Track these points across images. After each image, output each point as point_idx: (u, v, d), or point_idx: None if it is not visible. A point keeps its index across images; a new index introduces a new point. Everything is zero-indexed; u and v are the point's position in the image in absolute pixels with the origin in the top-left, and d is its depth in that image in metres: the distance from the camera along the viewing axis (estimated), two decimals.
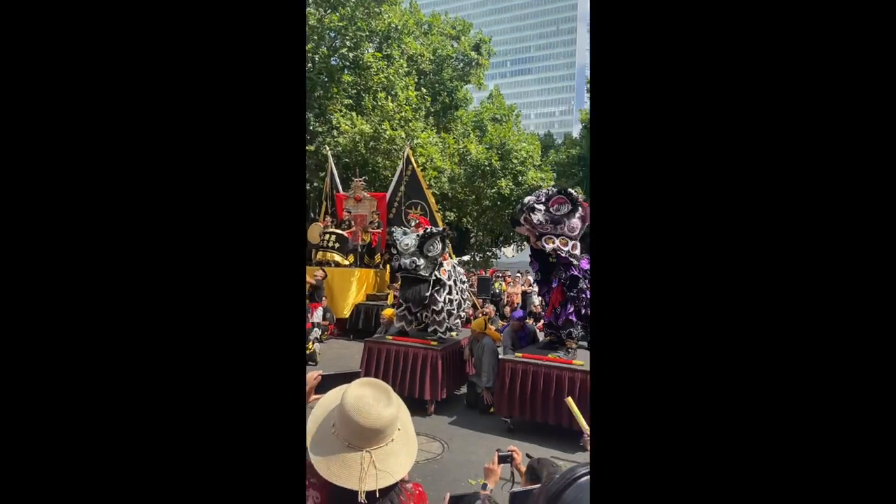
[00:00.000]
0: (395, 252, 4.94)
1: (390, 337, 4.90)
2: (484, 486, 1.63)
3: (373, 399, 1.07)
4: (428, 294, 4.57)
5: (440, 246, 4.74)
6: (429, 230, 4.76)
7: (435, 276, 4.67)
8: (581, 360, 4.12)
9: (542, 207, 4.13)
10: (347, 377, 1.35)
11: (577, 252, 4.24)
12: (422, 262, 4.53)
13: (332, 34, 14.84)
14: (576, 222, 4.19)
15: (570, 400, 2.72)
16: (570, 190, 4.29)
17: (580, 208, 4.21)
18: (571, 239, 4.16)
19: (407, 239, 4.67)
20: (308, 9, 13.77)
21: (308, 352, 5.93)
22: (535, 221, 4.08)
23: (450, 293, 4.93)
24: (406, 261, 4.54)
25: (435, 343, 4.68)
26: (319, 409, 1.16)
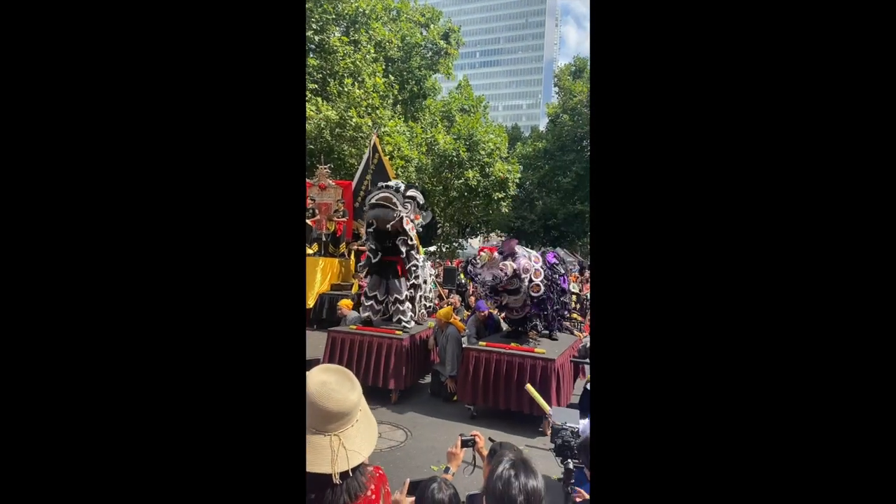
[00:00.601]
0: (368, 242, 4.84)
1: (354, 326, 4.86)
2: (446, 470, 1.66)
3: (337, 384, 1.10)
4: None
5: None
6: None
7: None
8: (542, 349, 4.23)
9: (523, 252, 4.23)
10: (309, 364, 1.34)
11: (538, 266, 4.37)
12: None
13: None
14: (509, 264, 4.17)
15: (529, 386, 2.78)
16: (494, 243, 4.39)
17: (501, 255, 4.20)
18: (526, 271, 4.23)
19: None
20: None
21: None
22: (528, 268, 4.17)
23: (415, 282, 4.93)
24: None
25: (400, 332, 4.68)
26: None
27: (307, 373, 1.14)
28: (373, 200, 4.61)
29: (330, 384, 1.09)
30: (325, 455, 1.06)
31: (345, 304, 5.72)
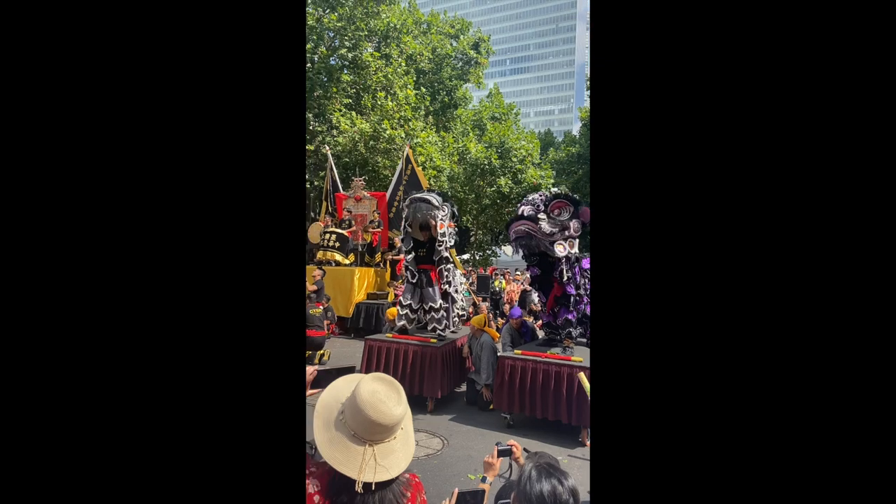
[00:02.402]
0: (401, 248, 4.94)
1: (390, 335, 4.93)
2: (483, 479, 1.65)
3: (385, 395, 1.09)
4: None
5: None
6: None
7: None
8: (580, 356, 4.14)
9: (544, 216, 4.18)
10: (342, 372, 1.38)
11: (575, 251, 4.30)
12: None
13: (331, 34, 14.84)
14: (577, 224, 4.25)
15: (582, 375, 2.71)
16: (567, 192, 4.35)
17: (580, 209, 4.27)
18: (575, 240, 4.23)
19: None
20: (307, 9, 13.77)
21: (325, 359, 5.94)
22: (545, 231, 4.13)
23: (448, 290, 4.95)
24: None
25: (434, 340, 4.70)
26: (329, 393, 1.19)
27: (359, 377, 1.16)
28: (412, 197, 4.75)
29: (378, 393, 1.09)
30: (354, 460, 1.06)
31: (391, 313, 5.81)
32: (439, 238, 4.65)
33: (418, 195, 4.72)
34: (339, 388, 1.20)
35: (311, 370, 1.37)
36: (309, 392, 1.39)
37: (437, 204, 4.63)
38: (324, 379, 1.40)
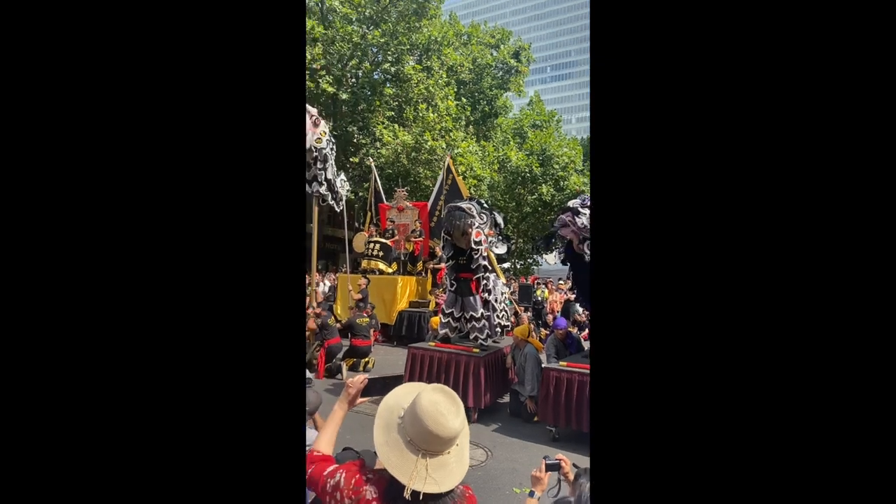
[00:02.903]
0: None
1: (433, 343, 4.96)
2: (531, 494, 1.63)
3: (444, 408, 1.11)
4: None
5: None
6: None
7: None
8: None
9: (586, 212, 4.09)
10: (391, 381, 1.42)
11: None
12: None
13: (375, 49, 15.32)
14: None
15: None
16: None
17: None
18: None
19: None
20: (351, 26, 14.30)
21: (370, 366, 6.07)
22: (579, 225, 4.05)
23: (489, 299, 4.93)
24: None
25: (477, 350, 4.69)
26: (392, 397, 1.23)
27: (422, 385, 1.19)
28: (449, 206, 4.79)
29: (439, 405, 1.11)
30: (407, 466, 1.08)
31: (434, 322, 5.88)
32: (474, 247, 4.65)
33: (454, 204, 4.75)
34: (402, 394, 1.23)
35: (361, 378, 1.41)
36: (359, 400, 1.43)
37: (472, 212, 4.63)
38: (373, 388, 1.44)
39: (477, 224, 4.63)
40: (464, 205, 4.67)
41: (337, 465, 1.22)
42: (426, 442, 1.09)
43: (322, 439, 1.35)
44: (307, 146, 5.30)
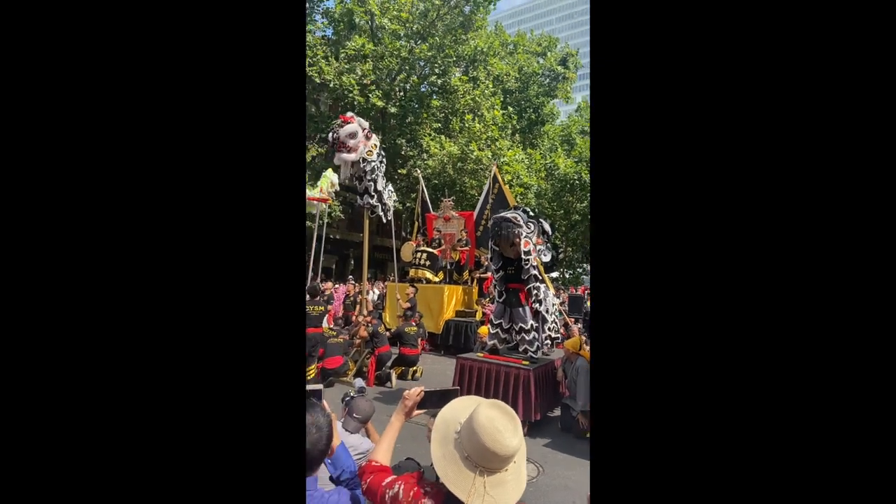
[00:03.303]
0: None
1: (481, 354, 4.93)
2: None
3: (502, 425, 1.10)
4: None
5: None
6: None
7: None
8: None
9: None
10: (447, 395, 1.42)
11: None
12: None
13: (422, 63, 15.66)
14: None
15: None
16: None
17: None
18: None
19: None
20: (400, 42, 14.71)
21: (418, 375, 6.14)
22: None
23: (539, 310, 4.84)
24: None
25: (527, 363, 4.61)
26: (449, 411, 1.24)
27: (478, 400, 1.19)
28: (495, 216, 4.76)
29: (496, 422, 1.10)
30: (464, 483, 1.08)
31: (483, 332, 5.86)
32: (523, 257, 4.58)
33: (501, 214, 4.71)
34: (458, 408, 1.23)
35: (418, 391, 1.43)
36: (416, 412, 1.45)
37: (519, 222, 4.57)
38: (428, 400, 1.45)
39: (525, 234, 4.57)
40: (510, 214, 4.62)
41: (395, 477, 1.24)
42: (484, 459, 1.09)
43: (379, 450, 1.38)
44: (358, 158, 5.46)
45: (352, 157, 5.35)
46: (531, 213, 4.95)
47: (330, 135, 5.45)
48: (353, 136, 5.31)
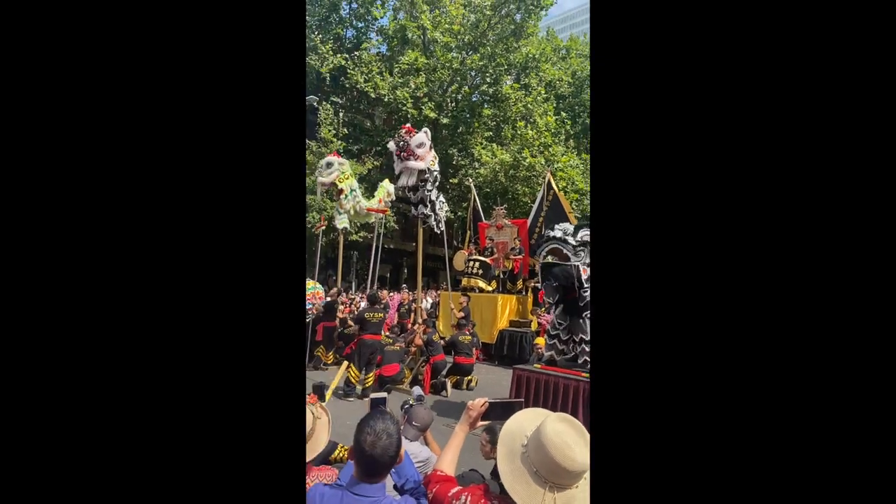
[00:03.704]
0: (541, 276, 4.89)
1: (538, 365, 4.82)
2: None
3: (572, 440, 1.07)
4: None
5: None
6: None
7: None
8: None
9: None
10: (510, 406, 1.40)
11: None
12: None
13: (473, 73, 15.79)
14: None
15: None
16: None
17: None
18: None
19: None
20: (451, 54, 14.94)
21: (473, 385, 6.12)
22: None
23: None
24: None
25: (586, 375, 4.44)
26: (514, 423, 1.22)
27: (546, 413, 1.17)
28: (541, 259, 4.65)
29: (565, 436, 1.07)
30: (534, 499, 1.05)
31: (541, 343, 5.75)
32: (584, 285, 4.43)
33: (548, 262, 4.59)
34: (524, 421, 1.21)
35: (482, 402, 1.42)
36: (479, 423, 1.44)
37: (568, 255, 4.42)
38: (492, 412, 1.44)
39: (581, 264, 4.42)
40: (555, 233, 4.49)
41: (461, 487, 1.24)
42: (553, 474, 1.06)
43: (444, 460, 1.38)
44: (425, 167, 5.60)
45: (420, 164, 5.55)
46: (581, 232, 4.73)
47: (392, 144, 5.65)
48: (421, 145, 5.53)
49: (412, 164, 5.51)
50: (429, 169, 5.68)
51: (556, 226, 4.73)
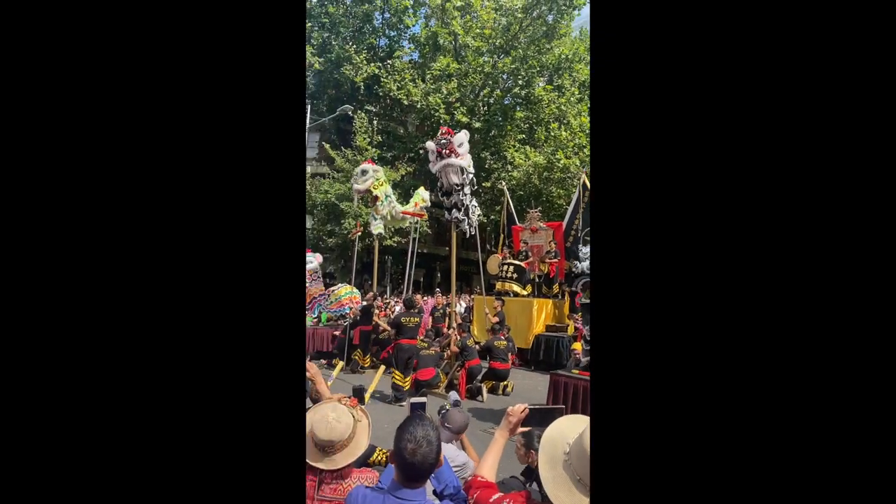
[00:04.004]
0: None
1: (576, 371, 4.72)
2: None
3: None
4: None
5: None
6: None
7: None
8: None
9: None
10: (551, 413, 1.38)
11: None
12: None
13: (505, 76, 15.73)
14: None
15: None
16: None
17: None
18: None
19: None
20: (483, 58, 14.95)
21: (509, 390, 6.07)
22: None
23: None
24: None
25: None
26: (555, 429, 1.21)
27: (587, 420, 1.15)
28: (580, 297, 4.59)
29: None
30: None
31: (578, 348, 5.65)
32: None
33: (577, 272, 4.52)
34: (565, 428, 1.19)
35: (522, 408, 1.40)
36: (519, 430, 1.42)
37: None
38: (532, 418, 1.42)
39: None
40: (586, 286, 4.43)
41: (503, 494, 1.22)
42: None
43: (485, 465, 1.37)
44: (467, 164, 5.64)
45: (462, 161, 5.61)
46: None
47: (431, 143, 5.76)
48: (461, 145, 5.63)
49: (454, 160, 5.55)
50: (466, 170, 5.71)
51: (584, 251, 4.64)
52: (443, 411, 2.40)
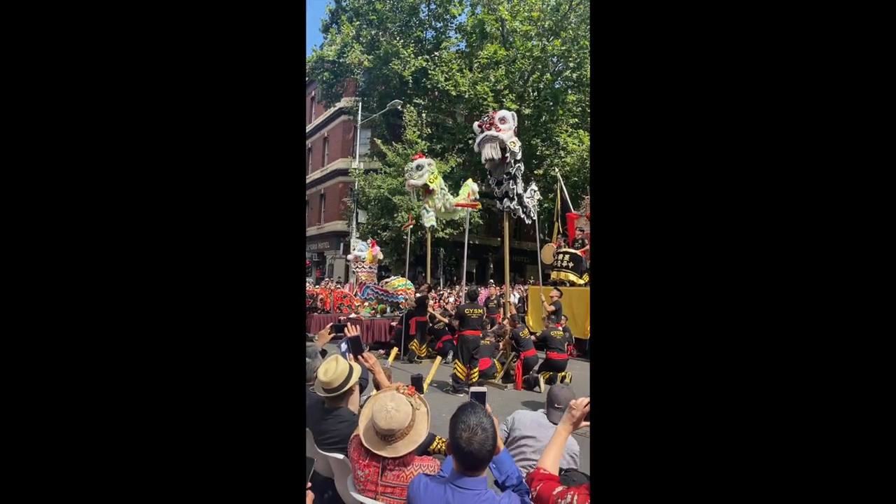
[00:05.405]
0: None
1: None
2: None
3: None
4: None
5: None
6: None
7: None
8: None
9: None
10: None
11: None
12: None
13: (555, 59, 15.21)
14: None
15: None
16: None
17: None
18: None
19: None
20: (531, 42, 14.53)
21: (567, 381, 5.93)
22: None
23: None
24: None
25: None
26: None
27: None
28: None
29: None
30: None
31: None
32: None
33: None
34: None
35: (585, 402, 1.36)
36: (583, 424, 1.38)
37: None
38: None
39: None
40: None
41: (566, 487, 1.20)
42: None
43: (547, 458, 1.34)
44: (507, 139, 5.54)
45: (502, 135, 5.47)
46: None
47: (476, 125, 5.74)
48: (503, 120, 5.52)
49: (492, 133, 5.47)
50: (507, 147, 5.54)
51: None
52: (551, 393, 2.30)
